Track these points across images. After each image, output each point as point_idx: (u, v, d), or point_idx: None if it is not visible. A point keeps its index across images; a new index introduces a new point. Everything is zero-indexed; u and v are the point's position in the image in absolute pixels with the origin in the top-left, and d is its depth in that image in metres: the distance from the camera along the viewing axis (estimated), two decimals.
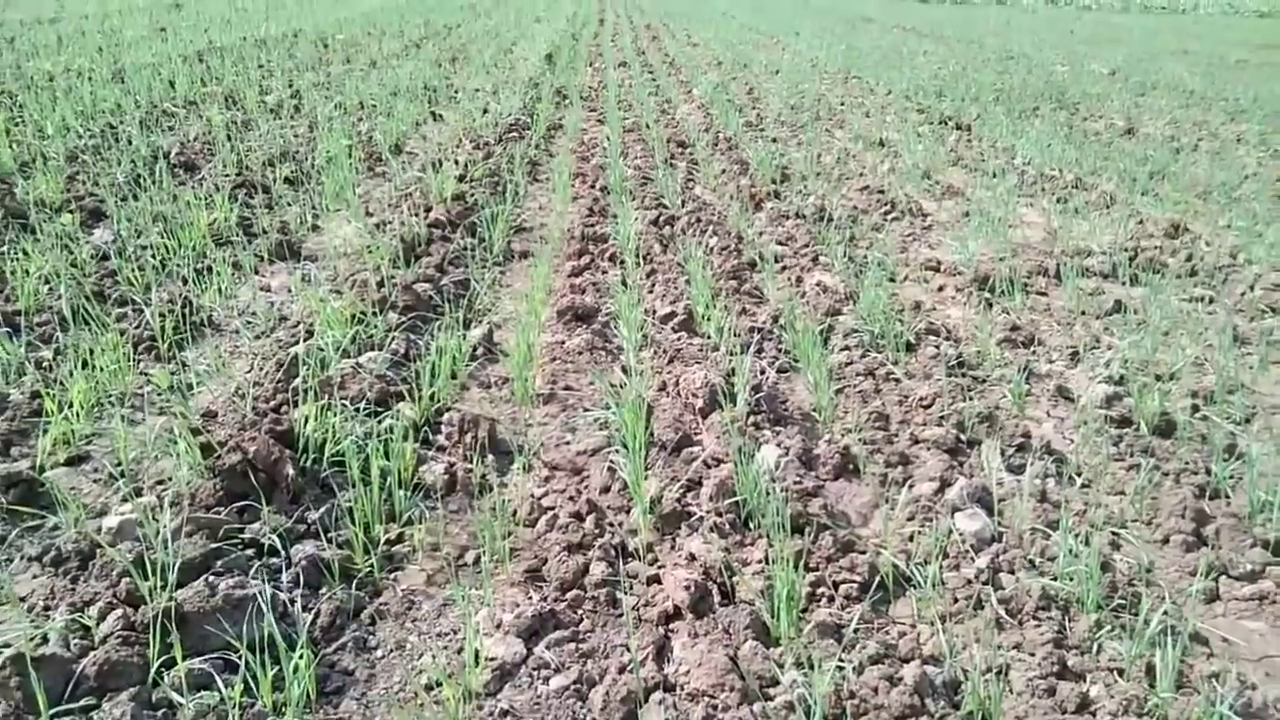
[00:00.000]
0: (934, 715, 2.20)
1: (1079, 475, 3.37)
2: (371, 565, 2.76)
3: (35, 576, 2.67)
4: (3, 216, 5.37)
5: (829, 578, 2.73)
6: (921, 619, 2.63)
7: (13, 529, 2.84)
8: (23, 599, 2.57)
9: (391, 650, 2.51)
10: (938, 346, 4.33)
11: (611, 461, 3.32)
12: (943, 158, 8.57)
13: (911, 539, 2.96)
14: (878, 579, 2.74)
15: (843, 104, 11.63)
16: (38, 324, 4.20)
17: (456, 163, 7.41)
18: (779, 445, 3.45)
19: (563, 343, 4.40)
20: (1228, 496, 3.25)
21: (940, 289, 5.31)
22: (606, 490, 3.24)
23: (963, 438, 3.56)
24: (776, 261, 5.68)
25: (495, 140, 8.45)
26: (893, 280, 5.43)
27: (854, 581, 2.71)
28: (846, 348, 4.37)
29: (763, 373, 4.08)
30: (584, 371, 4.14)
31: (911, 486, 3.23)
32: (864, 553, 2.87)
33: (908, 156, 8.46)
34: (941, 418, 3.66)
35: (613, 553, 2.89)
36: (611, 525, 3.03)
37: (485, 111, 9.70)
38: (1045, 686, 2.29)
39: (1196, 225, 6.57)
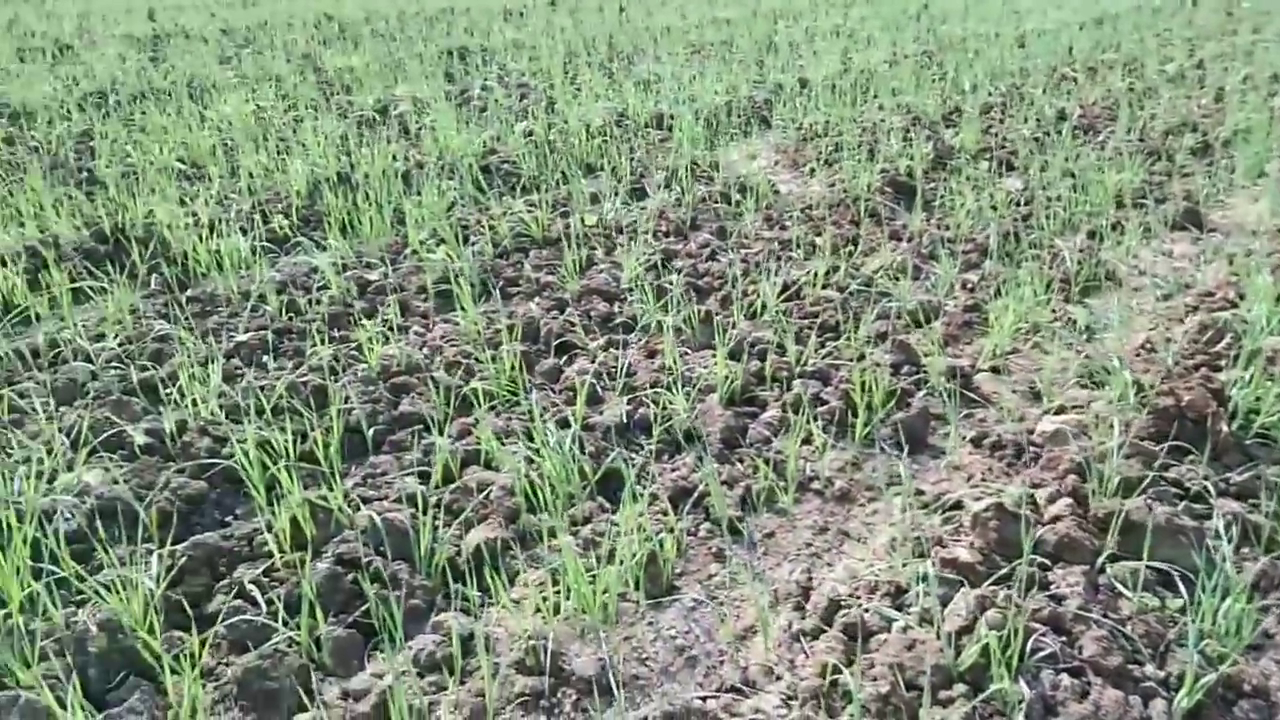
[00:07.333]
0: None
1: None
2: None
3: (970, 454, 3.16)
4: (935, 157, 6.23)
5: None
6: None
7: (958, 413, 3.39)
8: (959, 469, 3.07)
9: None
10: None
11: None
12: None
13: None
14: None
15: None
16: (963, 251, 4.84)
17: None
18: None
19: None
20: None
21: None
22: None
23: None
24: None
25: None
26: None
27: None
28: None
29: None
30: None
31: None
32: None
33: None
34: None
35: None
36: None
37: None
38: None
39: None
